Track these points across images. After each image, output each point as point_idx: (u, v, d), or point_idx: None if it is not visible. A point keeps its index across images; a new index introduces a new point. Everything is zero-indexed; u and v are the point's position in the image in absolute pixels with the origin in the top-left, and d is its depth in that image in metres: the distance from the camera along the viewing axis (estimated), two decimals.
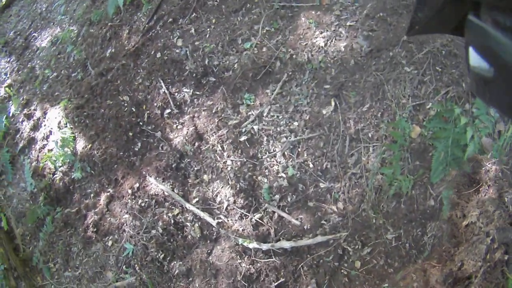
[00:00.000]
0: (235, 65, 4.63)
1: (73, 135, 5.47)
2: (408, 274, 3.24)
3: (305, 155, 4.10)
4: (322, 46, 4.41)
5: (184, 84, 4.82)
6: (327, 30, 4.46)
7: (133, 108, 5.05)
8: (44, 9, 7.89)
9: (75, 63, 6.13)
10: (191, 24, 5.16)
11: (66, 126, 5.58)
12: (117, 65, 5.46)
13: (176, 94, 4.84)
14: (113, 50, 5.71)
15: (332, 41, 4.40)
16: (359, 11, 4.43)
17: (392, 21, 4.22)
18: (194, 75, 4.78)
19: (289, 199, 4.03)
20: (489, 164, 3.19)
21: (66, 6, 7.29)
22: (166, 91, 4.87)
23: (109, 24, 6.00)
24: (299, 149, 4.13)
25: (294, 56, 4.44)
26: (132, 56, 5.39)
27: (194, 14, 5.19)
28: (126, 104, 5.15)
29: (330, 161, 4.08)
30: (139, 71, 5.26)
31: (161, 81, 4.96)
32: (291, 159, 4.10)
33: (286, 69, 4.42)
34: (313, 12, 4.61)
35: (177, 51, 5.04)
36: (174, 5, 5.41)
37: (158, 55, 5.15)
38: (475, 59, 0.69)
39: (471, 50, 0.70)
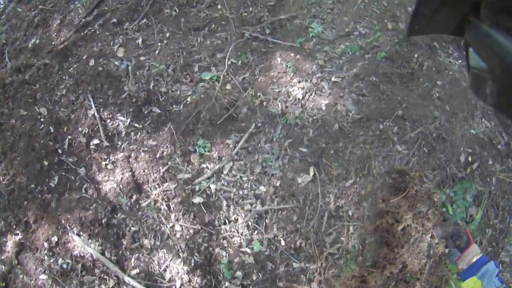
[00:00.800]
0: (188, 99, 3.36)
1: None
2: (345, 283, 2.93)
3: (275, 228, 3.23)
4: (299, 98, 3.38)
5: (119, 110, 3.47)
6: (306, 80, 3.44)
7: (51, 127, 3.58)
8: None
9: None
10: (139, 32, 3.74)
11: None
12: (38, 63, 3.89)
13: (108, 120, 3.48)
14: (37, 42, 4.09)
15: (311, 94, 3.41)
16: (346, 67, 3.48)
17: (385, 89, 3.38)
18: (134, 100, 3.46)
19: (254, 277, 3.17)
20: (412, 172, 2.97)
21: None
22: (96, 113, 3.46)
23: (40, 6, 4.30)
24: (267, 221, 3.16)
25: (264, 104, 3.35)
26: (59, 55, 3.84)
27: (145, 20, 3.77)
28: (42, 120, 3.66)
29: (305, 238, 3.23)
30: (64, 77, 3.75)
31: (91, 98, 3.52)
32: (256, 232, 3.06)
33: (254, 118, 3.33)
34: (292, 55, 3.52)
35: (116, 63, 3.62)
36: (121, 2, 3.87)
37: (91, 62, 3.68)
38: (475, 59, 0.63)
39: (471, 50, 0.64)
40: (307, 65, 3.57)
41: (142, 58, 3.72)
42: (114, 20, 3.97)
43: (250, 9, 3.83)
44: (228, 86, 3.48)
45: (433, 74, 3.55)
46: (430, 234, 2.77)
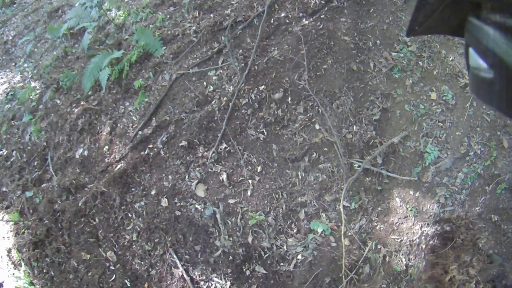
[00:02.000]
0: (299, 256, 2.54)
1: (33, 287, 2.82)
2: None
3: None
4: (422, 248, 2.62)
5: (214, 270, 2.64)
6: (428, 224, 2.65)
7: (127, 281, 2.70)
8: (10, 38, 4.72)
9: (32, 147, 3.37)
10: (220, 163, 2.76)
11: (21, 265, 2.88)
12: (92, 187, 2.86)
13: (202, 283, 2.61)
14: (85, 153, 3.09)
15: (434, 241, 2.61)
16: (468, 204, 2.73)
17: (506, 229, 2.87)
18: (231, 258, 2.58)
19: None
20: (458, 220, 2.78)
21: (34, 45, 4.38)
22: (184, 274, 2.54)
23: (82, 103, 3.15)
24: None
25: (387, 259, 2.58)
26: (118, 183, 2.86)
27: (225, 145, 2.75)
28: (113, 268, 2.74)
29: None
30: (130, 216, 2.81)
31: (174, 254, 2.59)
32: None
33: (378, 279, 2.55)
34: (411, 192, 2.71)
35: (198, 206, 2.68)
36: (185, 110, 2.78)
37: (164, 202, 2.72)
38: (475, 59, 0.58)
39: (471, 50, 0.59)
40: (428, 204, 2.79)
41: (231, 201, 2.74)
42: (184, 142, 2.84)
43: (355, 127, 2.85)
44: (346, 241, 2.62)
45: None
46: (474, 281, 2.61)
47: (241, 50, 3.38)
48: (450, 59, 3.15)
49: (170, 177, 2.89)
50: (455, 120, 3.05)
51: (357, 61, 3.07)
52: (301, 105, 2.94)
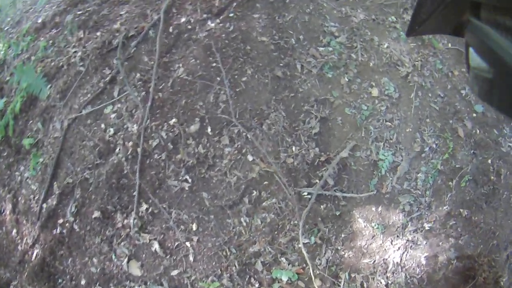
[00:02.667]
0: None
1: None
2: None
3: None
4: (397, 262, 2.28)
5: None
6: (398, 236, 2.29)
7: None
8: None
9: None
10: (146, 230, 2.35)
11: None
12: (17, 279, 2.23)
13: None
14: None
15: (407, 251, 2.32)
16: (434, 205, 2.41)
17: (477, 220, 2.63)
18: None
19: None
20: (481, 258, 2.56)
21: None
22: None
23: None
24: None
25: (365, 285, 2.24)
26: (41, 278, 2.41)
27: (145, 205, 2.17)
28: None
29: None
30: None
31: None
32: None
33: None
34: (373, 208, 2.32)
35: None
36: (88, 165, 2.22)
37: None
38: (475, 59, 0.53)
39: (471, 50, 0.55)
40: (394, 216, 2.42)
41: (174, 273, 2.25)
42: (96, 213, 2.21)
43: (294, 149, 2.35)
44: (317, 282, 2.20)
45: (509, 180, 2.76)
46: None
47: (138, 74, 2.67)
48: (385, 46, 2.63)
49: (94, 260, 2.27)
50: (403, 115, 2.59)
51: (281, 65, 2.47)
52: (225, 135, 2.34)
